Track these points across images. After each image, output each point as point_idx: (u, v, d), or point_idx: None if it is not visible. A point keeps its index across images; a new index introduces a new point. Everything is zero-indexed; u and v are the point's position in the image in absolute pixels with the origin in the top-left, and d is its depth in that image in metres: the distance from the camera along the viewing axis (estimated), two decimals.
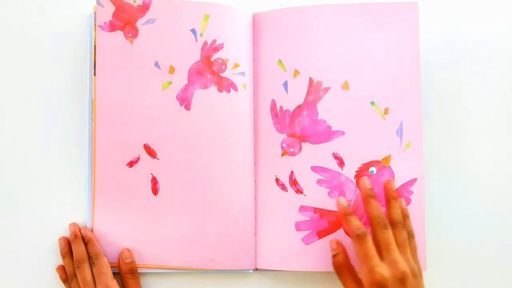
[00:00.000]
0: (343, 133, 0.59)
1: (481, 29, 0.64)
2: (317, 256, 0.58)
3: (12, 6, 0.61)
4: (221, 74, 0.59)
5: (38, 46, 0.61)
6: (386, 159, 0.59)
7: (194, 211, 0.59)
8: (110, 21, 0.59)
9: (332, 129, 0.59)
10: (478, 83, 0.63)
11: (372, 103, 0.59)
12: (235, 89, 0.60)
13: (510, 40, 0.63)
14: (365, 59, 0.59)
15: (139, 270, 0.58)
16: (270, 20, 0.60)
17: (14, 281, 0.59)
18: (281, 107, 0.60)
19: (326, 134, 0.59)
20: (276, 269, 0.59)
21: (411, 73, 0.59)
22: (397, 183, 0.59)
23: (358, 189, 0.59)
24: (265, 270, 0.60)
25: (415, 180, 0.59)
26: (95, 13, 0.59)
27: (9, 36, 0.61)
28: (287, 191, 0.59)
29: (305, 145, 0.59)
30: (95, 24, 0.59)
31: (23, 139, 0.60)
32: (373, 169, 0.59)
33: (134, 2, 0.59)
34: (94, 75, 0.59)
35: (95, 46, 0.59)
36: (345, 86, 0.59)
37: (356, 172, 0.59)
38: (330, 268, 0.58)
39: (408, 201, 0.58)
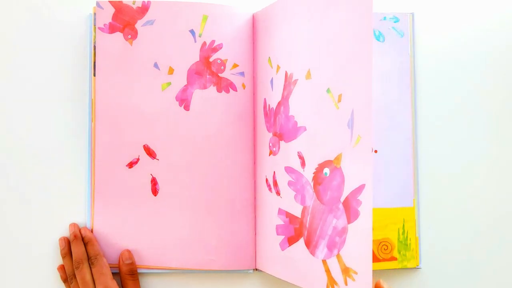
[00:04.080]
0: (305, 129, 0.53)
1: (477, 30, 0.64)
2: (288, 264, 0.55)
3: (12, 7, 0.61)
4: (220, 75, 0.60)
5: (38, 46, 0.61)
6: (338, 158, 0.49)
7: (194, 211, 0.59)
8: (109, 23, 0.59)
9: (298, 125, 0.53)
10: (475, 84, 0.63)
11: (328, 90, 0.50)
12: (234, 89, 0.60)
13: (506, 41, 0.64)
14: (323, 43, 0.51)
15: (139, 271, 0.58)
16: (263, 18, 0.60)
17: (14, 281, 0.59)
18: (269, 106, 0.58)
19: (294, 131, 0.54)
20: (265, 271, 0.58)
21: (362, 53, 0.47)
22: (347, 190, 0.48)
23: (315, 194, 0.51)
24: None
25: (363, 186, 0.46)
26: (94, 13, 0.59)
27: (10, 37, 0.61)
28: (271, 192, 0.58)
29: (282, 144, 0.56)
30: (94, 25, 0.59)
31: (23, 140, 0.60)
32: (326, 170, 0.50)
33: (134, 4, 0.59)
34: (94, 75, 0.59)
35: (94, 47, 0.59)
36: (308, 75, 0.52)
37: (313, 174, 0.52)
38: (297, 281, 0.54)
39: (356, 215, 0.46)
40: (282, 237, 0.56)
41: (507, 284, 0.62)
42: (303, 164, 0.53)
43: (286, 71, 0.55)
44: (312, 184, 0.52)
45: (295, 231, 0.54)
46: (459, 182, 0.62)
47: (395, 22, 0.62)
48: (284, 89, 0.55)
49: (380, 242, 0.60)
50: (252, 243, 0.59)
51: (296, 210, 0.54)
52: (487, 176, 0.62)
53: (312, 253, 0.52)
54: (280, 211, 0.56)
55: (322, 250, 0.50)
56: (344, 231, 0.48)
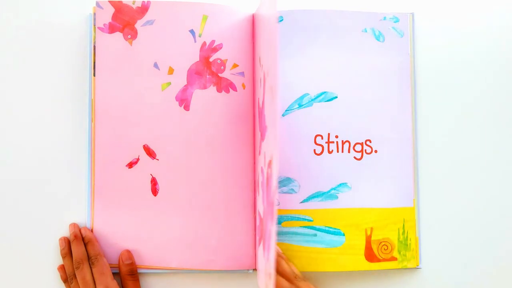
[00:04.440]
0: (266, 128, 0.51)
1: (477, 30, 0.64)
2: (258, 265, 0.55)
3: (12, 7, 0.62)
4: (220, 75, 0.60)
5: (38, 46, 0.61)
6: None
7: (194, 211, 0.59)
8: (109, 23, 0.59)
9: (266, 124, 0.52)
10: (475, 84, 0.63)
11: (271, 87, 0.48)
12: (234, 89, 0.60)
13: (506, 41, 0.64)
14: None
15: (139, 271, 0.58)
16: (259, 18, 0.59)
17: (14, 281, 0.59)
18: (260, 105, 0.57)
19: (265, 131, 0.52)
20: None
21: (272, 51, 0.46)
22: (273, 191, 0.46)
23: (266, 196, 0.50)
24: None
25: (275, 188, 0.45)
26: (94, 13, 0.59)
27: (9, 37, 0.61)
28: (256, 192, 0.58)
29: (262, 144, 0.54)
30: (94, 25, 0.59)
31: (23, 140, 0.60)
32: (269, 171, 0.48)
33: (133, 4, 0.59)
34: (94, 75, 0.59)
35: (94, 47, 0.59)
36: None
37: (267, 174, 0.50)
38: (260, 283, 0.53)
39: (273, 218, 0.45)
40: (257, 237, 0.55)
41: (507, 284, 0.62)
42: (266, 164, 0.51)
43: (264, 71, 0.53)
44: (266, 185, 0.50)
45: (260, 232, 0.53)
46: (459, 182, 0.62)
47: (395, 22, 0.62)
48: (264, 88, 0.53)
49: (380, 242, 0.60)
50: (251, 243, 0.59)
51: (261, 211, 0.53)
52: (487, 176, 0.62)
53: (263, 254, 0.50)
54: (258, 212, 0.56)
55: (265, 253, 0.49)
56: (271, 234, 0.46)
